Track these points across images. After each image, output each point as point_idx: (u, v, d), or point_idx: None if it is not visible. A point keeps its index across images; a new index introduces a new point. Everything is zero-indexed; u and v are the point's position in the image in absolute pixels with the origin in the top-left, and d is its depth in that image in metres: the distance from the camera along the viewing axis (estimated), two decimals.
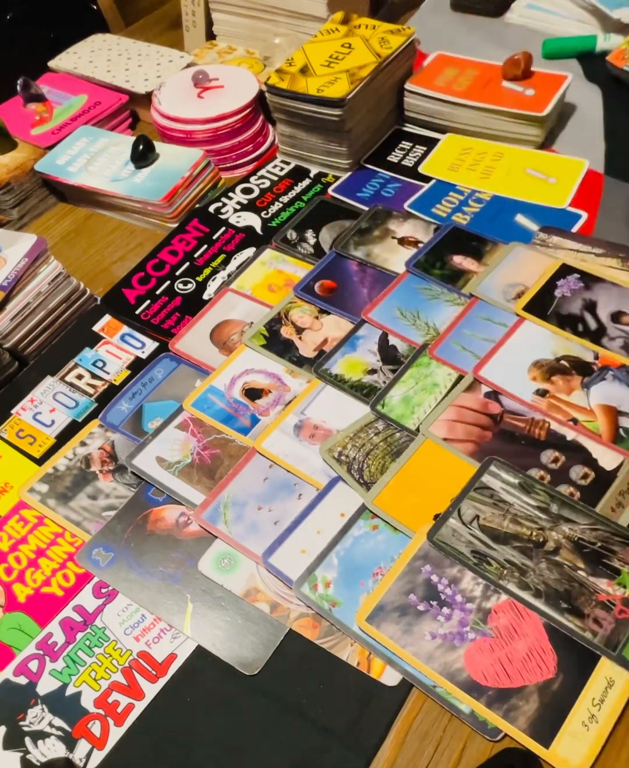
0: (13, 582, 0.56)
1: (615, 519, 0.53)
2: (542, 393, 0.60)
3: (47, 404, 0.67)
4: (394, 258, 0.73)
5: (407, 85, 0.85)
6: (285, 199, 0.84)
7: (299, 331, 0.69)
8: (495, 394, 0.61)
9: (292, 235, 0.78)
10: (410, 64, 0.88)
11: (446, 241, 0.74)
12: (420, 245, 0.74)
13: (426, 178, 0.83)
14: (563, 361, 0.62)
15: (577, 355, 0.63)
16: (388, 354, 0.65)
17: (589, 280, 0.68)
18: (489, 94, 0.83)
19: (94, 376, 0.69)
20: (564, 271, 0.69)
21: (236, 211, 0.83)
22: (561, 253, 0.71)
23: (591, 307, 0.66)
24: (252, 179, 0.87)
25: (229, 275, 0.76)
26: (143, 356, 0.70)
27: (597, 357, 0.62)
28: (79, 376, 0.69)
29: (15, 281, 0.65)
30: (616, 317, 0.65)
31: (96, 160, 0.84)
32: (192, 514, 0.58)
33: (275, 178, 0.87)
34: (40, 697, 0.51)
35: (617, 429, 0.58)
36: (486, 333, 0.65)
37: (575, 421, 0.59)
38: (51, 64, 0.99)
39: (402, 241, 0.75)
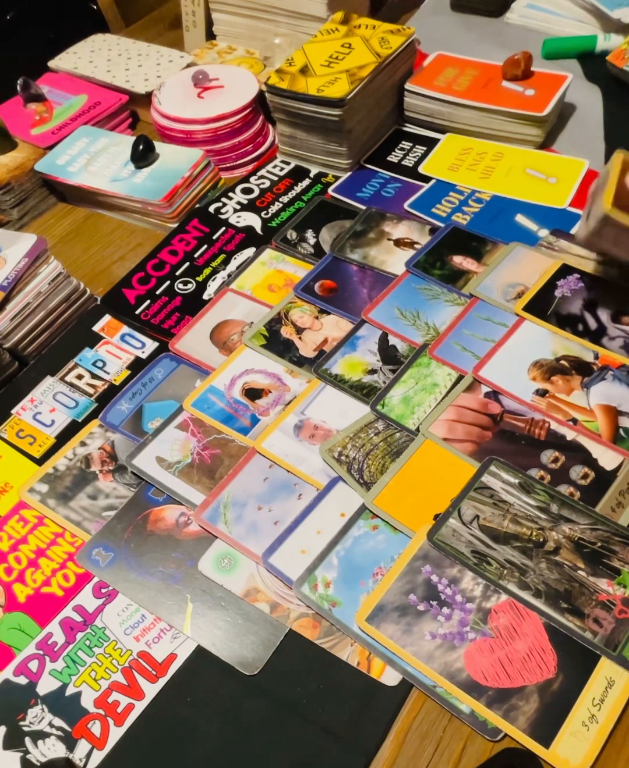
0: (13, 582, 0.56)
1: (616, 519, 0.53)
2: (542, 393, 0.60)
3: (47, 404, 0.67)
4: (391, 260, 0.73)
5: (407, 85, 0.85)
6: (285, 199, 0.84)
7: (299, 331, 0.69)
8: (494, 394, 0.61)
9: (292, 235, 0.78)
10: (410, 64, 0.88)
11: (446, 241, 0.74)
12: (416, 246, 0.74)
13: (426, 178, 0.83)
14: (563, 361, 0.62)
15: (577, 355, 0.63)
16: (388, 354, 0.65)
17: (589, 280, 0.68)
18: (489, 94, 0.83)
19: (94, 376, 0.69)
20: (565, 271, 0.69)
21: (236, 211, 0.83)
22: (565, 256, 0.71)
23: (591, 306, 0.66)
24: (252, 179, 0.87)
25: (229, 275, 0.76)
26: (143, 356, 0.70)
27: (597, 357, 0.62)
28: (79, 376, 0.69)
29: (15, 281, 0.65)
30: (616, 317, 0.65)
31: (96, 160, 0.84)
32: (192, 514, 0.58)
33: (275, 178, 0.87)
34: (40, 697, 0.51)
35: (617, 429, 0.58)
36: (486, 333, 0.65)
37: (575, 421, 0.59)
38: (51, 64, 0.99)
39: (398, 243, 0.75)
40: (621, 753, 0.46)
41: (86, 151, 0.85)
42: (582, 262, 0.70)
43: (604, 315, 0.65)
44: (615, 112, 0.89)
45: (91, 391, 0.68)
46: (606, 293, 0.67)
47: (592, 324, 0.65)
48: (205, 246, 0.79)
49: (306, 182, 0.86)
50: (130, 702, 0.50)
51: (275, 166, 0.89)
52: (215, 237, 0.80)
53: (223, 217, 0.83)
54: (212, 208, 0.83)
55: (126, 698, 0.50)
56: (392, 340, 0.66)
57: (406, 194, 0.82)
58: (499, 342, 0.64)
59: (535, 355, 0.63)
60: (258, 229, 0.81)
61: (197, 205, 0.84)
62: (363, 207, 0.80)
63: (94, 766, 0.48)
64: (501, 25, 1.05)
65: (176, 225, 0.82)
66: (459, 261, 0.72)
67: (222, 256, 0.78)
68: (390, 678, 0.49)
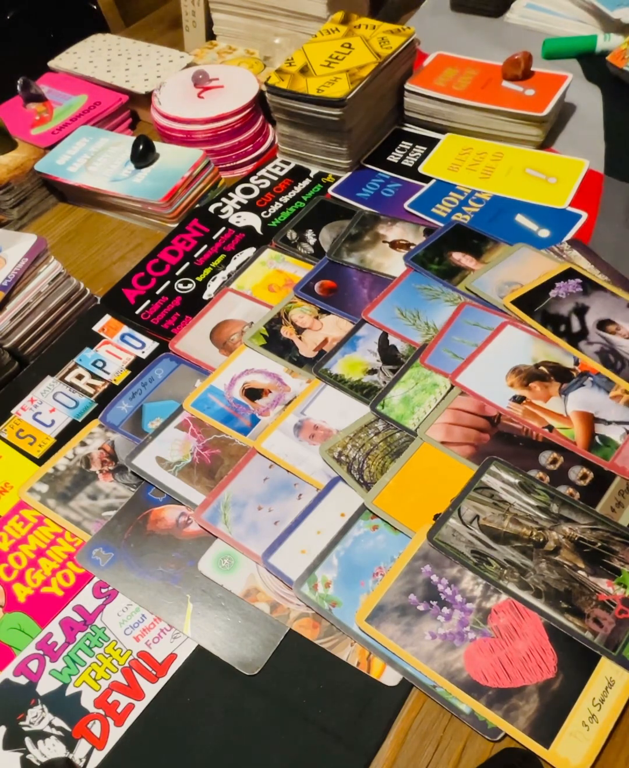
0: (13, 582, 0.56)
1: (615, 519, 0.53)
2: (519, 400, 0.60)
3: (47, 404, 0.67)
4: (388, 262, 0.73)
5: (407, 85, 0.85)
6: (285, 199, 0.84)
7: (299, 331, 0.69)
8: None
9: (292, 235, 0.78)
10: (410, 64, 0.88)
11: (448, 237, 0.74)
12: (412, 247, 0.74)
13: (426, 178, 0.83)
14: (542, 367, 0.61)
15: (557, 361, 0.62)
16: (388, 354, 0.65)
17: (590, 286, 0.68)
18: (489, 94, 0.83)
19: (94, 376, 0.69)
20: (568, 275, 0.69)
21: (236, 211, 0.83)
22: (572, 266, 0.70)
23: (580, 311, 0.66)
24: (252, 179, 0.87)
25: (229, 275, 0.76)
26: (143, 356, 0.70)
27: (577, 362, 0.62)
28: (79, 376, 0.69)
29: (15, 281, 0.65)
30: (602, 324, 0.65)
31: (96, 160, 0.84)
32: (192, 514, 0.58)
33: (275, 178, 0.87)
34: (40, 697, 0.51)
35: (592, 436, 0.58)
36: (475, 339, 0.64)
37: (550, 428, 0.58)
38: (51, 64, 0.99)
39: (394, 245, 0.75)
40: (621, 753, 0.46)
41: (86, 151, 0.85)
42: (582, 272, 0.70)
43: (591, 320, 0.65)
44: (615, 112, 0.89)
45: (91, 391, 0.68)
46: (602, 302, 0.66)
47: (575, 327, 0.64)
48: (205, 246, 0.79)
49: (306, 182, 0.86)
50: (130, 702, 0.50)
51: (275, 166, 0.89)
52: (215, 237, 0.80)
53: (223, 217, 0.83)
54: (212, 208, 0.83)
55: (126, 698, 0.50)
56: (392, 340, 0.66)
57: (406, 194, 0.82)
58: (479, 347, 0.63)
59: (514, 361, 0.62)
60: (258, 229, 0.81)
61: (197, 205, 0.84)
62: (363, 207, 0.80)
63: (94, 766, 0.48)
64: (501, 25, 1.05)
65: (176, 225, 0.82)
66: (458, 258, 0.72)
67: (222, 256, 0.78)
68: (390, 678, 0.49)
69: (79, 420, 0.66)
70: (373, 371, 0.64)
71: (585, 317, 0.65)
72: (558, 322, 0.65)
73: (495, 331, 0.64)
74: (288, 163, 0.89)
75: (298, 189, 0.85)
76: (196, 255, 0.78)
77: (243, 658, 0.51)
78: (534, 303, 0.66)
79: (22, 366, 0.70)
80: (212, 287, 0.75)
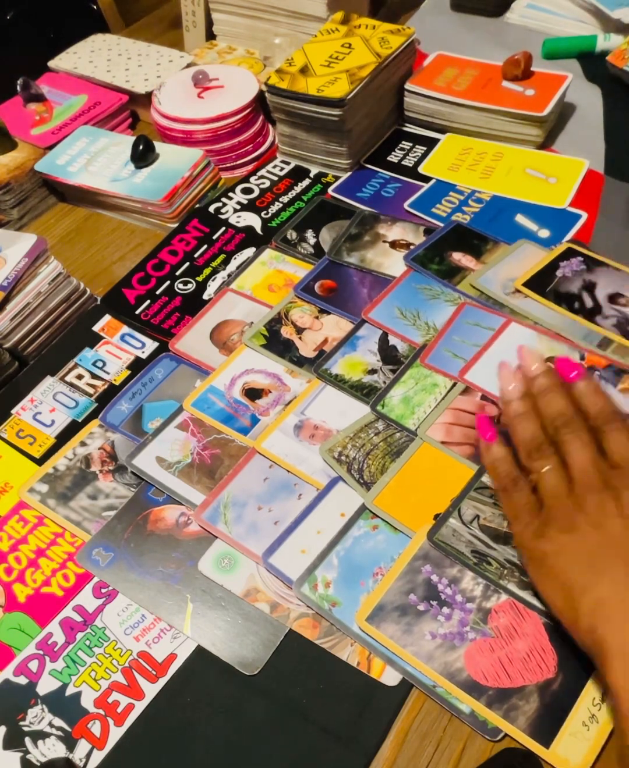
0: (13, 582, 0.56)
1: None
2: None
3: (47, 404, 0.67)
4: (388, 262, 0.73)
5: (407, 85, 0.85)
6: (285, 199, 0.84)
7: (299, 331, 0.69)
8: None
9: (292, 235, 0.78)
10: (410, 64, 0.88)
11: (448, 237, 0.74)
12: (412, 247, 0.74)
13: (426, 178, 0.83)
14: (548, 363, 0.61)
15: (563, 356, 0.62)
16: (388, 354, 0.65)
17: (592, 263, 0.69)
18: (488, 94, 0.83)
19: (94, 376, 0.69)
20: (569, 253, 0.70)
21: (236, 211, 0.83)
22: None
23: (590, 287, 0.67)
24: (252, 179, 0.87)
25: (229, 275, 0.76)
26: (143, 356, 0.70)
27: (583, 357, 0.62)
28: (79, 376, 0.69)
29: (15, 281, 0.65)
30: (613, 298, 0.66)
31: (96, 160, 0.84)
32: (192, 514, 0.58)
33: (275, 178, 0.87)
34: (40, 697, 0.51)
35: None
36: (475, 339, 0.64)
37: None
38: (51, 64, 0.99)
39: (394, 245, 0.75)
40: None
41: (86, 151, 0.85)
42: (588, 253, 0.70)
43: (602, 295, 0.66)
44: (615, 112, 0.89)
45: (91, 391, 0.68)
46: (607, 277, 0.67)
47: (588, 303, 0.65)
48: (205, 246, 0.79)
49: (306, 182, 0.86)
50: (130, 702, 0.50)
51: (275, 166, 0.89)
52: (215, 237, 0.80)
53: (223, 217, 0.83)
54: (212, 208, 0.83)
55: (126, 698, 0.50)
56: (393, 340, 0.66)
57: (406, 194, 0.82)
58: (485, 345, 0.63)
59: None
60: (258, 229, 0.81)
61: (197, 205, 0.84)
62: (363, 207, 0.80)
63: (94, 766, 0.48)
64: (501, 25, 1.05)
65: (176, 225, 0.82)
66: (458, 258, 0.72)
67: (222, 256, 0.78)
68: (390, 678, 0.49)
69: (79, 420, 0.66)
70: (373, 371, 0.64)
71: (596, 293, 0.66)
72: (572, 300, 0.66)
73: (498, 330, 0.64)
74: (288, 163, 0.89)
75: (298, 189, 0.85)
76: (196, 255, 0.78)
77: (243, 658, 0.51)
78: (544, 284, 0.67)
79: (22, 366, 0.70)
80: (212, 287, 0.75)
